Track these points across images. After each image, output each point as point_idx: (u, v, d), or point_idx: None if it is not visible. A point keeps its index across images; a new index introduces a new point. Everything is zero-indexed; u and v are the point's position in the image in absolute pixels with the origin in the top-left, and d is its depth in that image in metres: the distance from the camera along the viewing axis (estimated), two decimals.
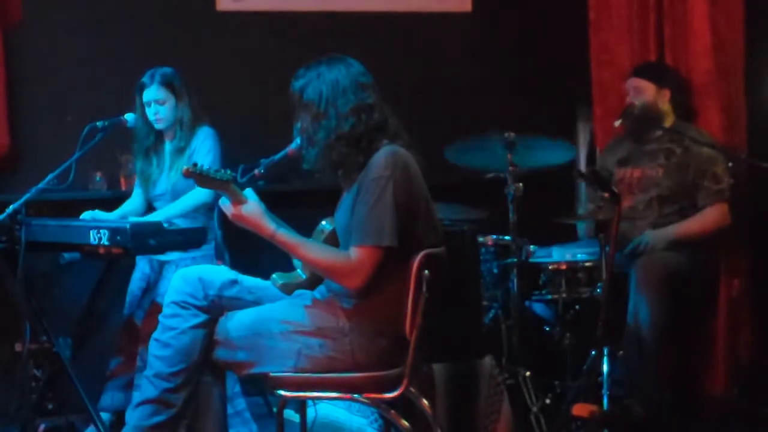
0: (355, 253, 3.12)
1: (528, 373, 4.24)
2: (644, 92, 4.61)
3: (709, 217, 4.46)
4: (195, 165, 3.24)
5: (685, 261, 4.38)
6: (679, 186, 4.50)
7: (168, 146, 4.48)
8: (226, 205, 3.21)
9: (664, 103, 4.63)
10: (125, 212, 4.48)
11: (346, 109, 3.19)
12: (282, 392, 3.22)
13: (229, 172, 3.28)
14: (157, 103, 4.40)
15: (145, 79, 4.42)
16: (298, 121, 3.30)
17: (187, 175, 3.24)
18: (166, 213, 4.34)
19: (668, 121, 4.63)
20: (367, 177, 3.13)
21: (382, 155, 3.14)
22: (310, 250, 3.19)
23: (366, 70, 3.30)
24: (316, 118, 3.22)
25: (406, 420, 3.22)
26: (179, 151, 4.43)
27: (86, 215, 4.30)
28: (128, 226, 3.72)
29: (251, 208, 3.18)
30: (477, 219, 4.48)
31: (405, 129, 3.29)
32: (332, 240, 3.34)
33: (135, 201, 4.61)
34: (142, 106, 4.42)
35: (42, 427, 4.33)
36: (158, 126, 4.44)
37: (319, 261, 3.17)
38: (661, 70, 4.78)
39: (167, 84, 4.40)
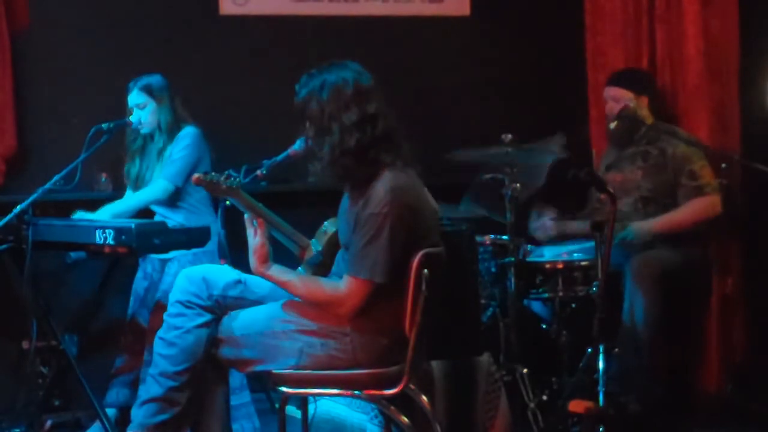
0: (346, 282, 3.16)
1: (525, 370, 4.26)
2: (622, 101, 4.64)
3: (692, 208, 4.48)
4: (206, 173, 3.32)
5: (680, 258, 4.42)
6: (659, 186, 4.54)
7: (154, 147, 4.54)
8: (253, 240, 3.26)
9: (643, 110, 4.66)
10: (115, 212, 4.45)
11: (350, 122, 3.15)
12: (284, 389, 3.25)
13: (239, 179, 3.34)
14: (137, 108, 4.47)
15: (130, 84, 4.51)
16: (302, 132, 3.29)
17: (197, 182, 3.32)
18: (117, 208, 4.42)
19: (645, 125, 4.64)
20: (366, 210, 3.11)
21: (382, 189, 3.11)
22: (299, 286, 3.22)
23: (368, 73, 3.25)
24: (319, 133, 3.20)
25: (406, 416, 3.27)
26: (159, 152, 4.50)
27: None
28: (133, 226, 3.78)
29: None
30: (476, 218, 4.53)
31: (405, 133, 3.27)
32: (335, 241, 3.39)
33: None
34: (130, 110, 4.50)
35: (48, 422, 4.38)
36: (142, 130, 4.50)
37: (309, 296, 3.22)
38: (638, 77, 4.79)
39: (146, 89, 4.47)
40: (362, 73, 3.25)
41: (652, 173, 4.56)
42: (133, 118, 4.44)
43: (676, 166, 4.52)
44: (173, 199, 4.46)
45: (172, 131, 4.50)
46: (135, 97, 4.48)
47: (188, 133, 4.48)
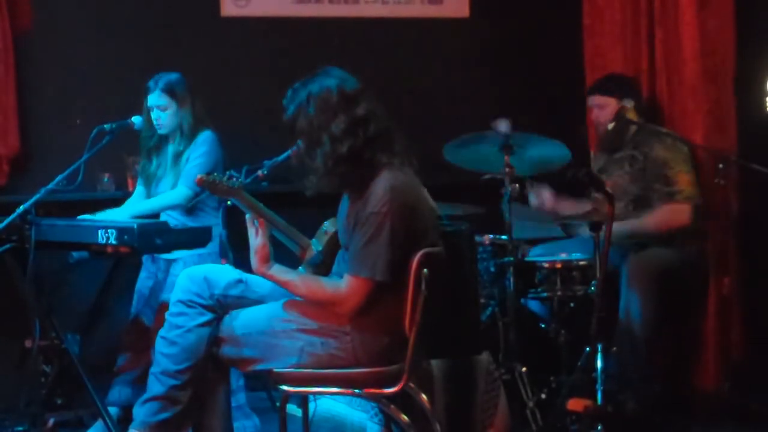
0: (347, 281, 3.17)
1: (524, 369, 4.28)
2: (607, 107, 4.67)
3: (658, 215, 4.49)
4: (208, 174, 3.34)
5: (676, 257, 4.45)
6: (644, 190, 4.56)
7: (170, 149, 4.55)
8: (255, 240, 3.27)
9: (629, 113, 4.66)
10: (133, 213, 4.50)
11: (339, 130, 3.16)
12: (285, 387, 3.27)
13: (240, 179, 3.37)
14: (158, 109, 4.47)
15: (150, 83, 4.49)
16: (294, 146, 3.29)
17: (200, 183, 3.34)
18: (136, 209, 4.46)
19: (633, 129, 4.67)
20: (366, 209, 3.13)
21: (381, 188, 3.13)
22: (300, 286, 3.24)
23: (351, 76, 3.25)
24: (311, 146, 3.21)
25: (406, 414, 3.29)
26: (177, 155, 4.50)
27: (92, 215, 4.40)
28: (135, 226, 3.79)
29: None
30: (474, 213, 4.55)
31: (403, 132, 3.29)
32: (335, 241, 3.42)
33: (137, 199, 4.67)
34: (148, 108, 4.51)
35: (51, 421, 4.37)
36: (160, 131, 4.51)
37: (310, 295, 3.24)
38: (620, 82, 4.79)
39: (169, 90, 4.46)
40: (346, 78, 3.25)
41: (639, 177, 4.59)
42: (135, 119, 4.45)
43: (653, 171, 4.54)
44: (191, 204, 4.49)
45: (192, 134, 4.50)
46: (156, 99, 4.47)
47: (206, 139, 4.49)
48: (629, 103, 4.68)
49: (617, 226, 4.41)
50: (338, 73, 3.26)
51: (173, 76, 4.51)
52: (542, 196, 4.73)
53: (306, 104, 3.20)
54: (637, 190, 4.58)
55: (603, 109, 4.69)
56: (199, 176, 3.37)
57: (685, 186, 4.51)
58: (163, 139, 4.56)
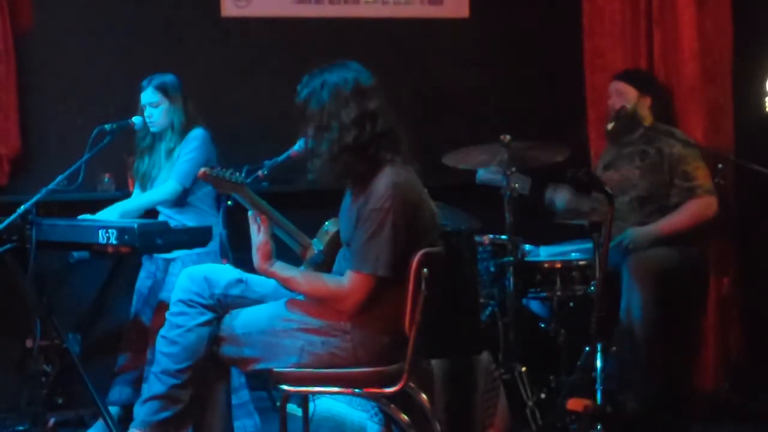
0: (350, 277, 3.18)
1: (524, 369, 4.29)
2: (626, 96, 4.69)
3: (688, 211, 4.51)
4: (212, 168, 3.35)
5: (677, 257, 4.45)
6: (655, 186, 4.57)
7: (162, 146, 4.56)
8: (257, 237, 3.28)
9: (644, 109, 4.69)
10: (124, 210, 4.50)
11: (349, 119, 3.19)
12: (285, 387, 3.27)
13: (243, 175, 3.38)
14: (150, 106, 4.49)
15: (144, 82, 4.52)
16: (303, 132, 3.32)
17: (203, 177, 3.35)
18: (126, 207, 4.47)
19: (641, 129, 4.68)
20: (367, 205, 3.14)
21: (383, 184, 3.14)
22: (302, 282, 3.25)
23: (369, 73, 3.29)
24: (319, 130, 3.23)
25: (406, 414, 3.29)
26: (169, 152, 4.52)
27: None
28: (136, 226, 3.80)
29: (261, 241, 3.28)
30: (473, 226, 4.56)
31: (405, 133, 3.29)
32: (336, 241, 3.41)
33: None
34: (141, 107, 4.52)
35: (52, 420, 4.37)
36: (152, 129, 4.53)
37: (312, 291, 3.25)
38: (645, 77, 4.84)
39: (161, 88, 4.49)
40: (363, 72, 3.29)
41: (649, 173, 4.59)
42: (136, 119, 4.47)
43: (671, 166, 4.56)
44: (180, 200, 4.50)
45: (184, 132, 4.52)
46: (149, 96, 4.49)
47: (197, 135, 4.51)
48: (645, 100, 4.70)
49: (644, 229, 4.44)
50: (356, 66, 3.30)
51: (167, 76, 4.54)
52: (564, 193, 4.70)
53: (320, 90, 3.23)
54: (647, 185, 4.59)
55: (620, 96, 4.71)
56: (202, 170, 3.37)
57: (703, 180, 4.54)
58: (157, 138, 4.58)
